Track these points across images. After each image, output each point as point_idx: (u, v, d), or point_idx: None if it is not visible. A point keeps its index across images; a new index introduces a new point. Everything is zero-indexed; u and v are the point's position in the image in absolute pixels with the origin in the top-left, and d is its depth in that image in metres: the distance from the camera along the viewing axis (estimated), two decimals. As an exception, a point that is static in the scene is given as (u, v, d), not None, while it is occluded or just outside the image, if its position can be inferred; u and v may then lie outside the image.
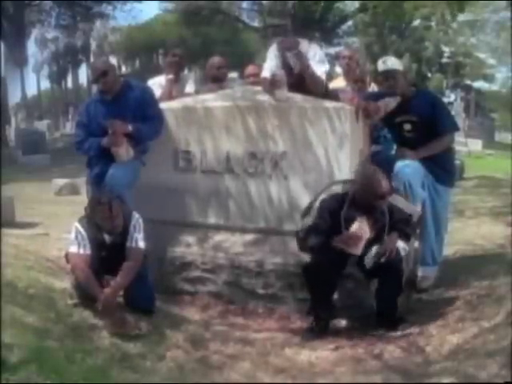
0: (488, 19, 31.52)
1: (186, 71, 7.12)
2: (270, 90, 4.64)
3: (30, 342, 2.90)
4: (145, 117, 4.61)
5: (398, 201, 4.03)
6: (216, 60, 5.69)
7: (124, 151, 4.48)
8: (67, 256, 3.93)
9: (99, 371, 2.93)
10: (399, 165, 4.34)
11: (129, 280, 3.76)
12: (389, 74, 4.47)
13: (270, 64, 5.10)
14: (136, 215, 4.02)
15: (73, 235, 3.87)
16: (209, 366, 3.41)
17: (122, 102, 4.61)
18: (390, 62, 4.51)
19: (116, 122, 4.45)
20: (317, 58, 4.98)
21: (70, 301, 3.83)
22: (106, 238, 3.90)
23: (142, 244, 3.94)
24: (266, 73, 5.02)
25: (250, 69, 5.61)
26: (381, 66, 4.51)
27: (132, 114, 4.57)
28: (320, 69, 4.95)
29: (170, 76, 5.67)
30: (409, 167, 4.31)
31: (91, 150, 4.58)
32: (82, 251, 3.81)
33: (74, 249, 3.83)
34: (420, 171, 4.35)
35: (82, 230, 3.85)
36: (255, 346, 3.74)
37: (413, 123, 4.44)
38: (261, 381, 3.25)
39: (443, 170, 4.57)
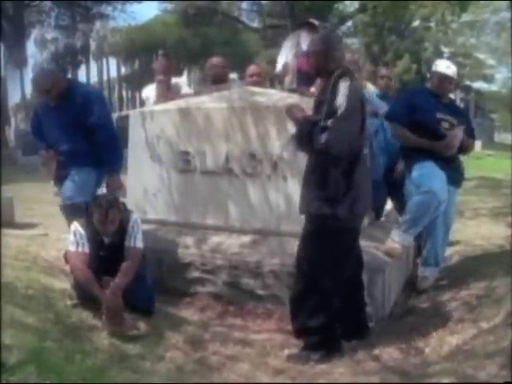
0: (488, 20, 31.54)
1: (184, 76, 7.21)
2: (280, 77, 4.87)
3: (30, 342, 2.90)
4: (89, 124, 4.52)
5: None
6: (215, 60, 5.70)
7: (51, 172, 4.62)
8: (66, 255, 3.95)
9: (98, 372, 2.93)
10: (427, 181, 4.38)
11: (128, 280, 3.76)
12: (448, 80, 4.61)
13: (282, 58, 5.52)
14: (134, 215, 4.03)
15: (72, 234, 3.87)
16: (208, 366, 3.40)
17: (64, 108, 4.52)
18: (454, 71, 4.65)
19: (46, 154, 4.61)
20: None
21: (70, 301, 3.83)
22: (105, 238, 3.90)
23: (140, 244, 3.95)
24: (279, 67, 5.47)
25: (252, 68, 5.64)
26: (445, 70, 4.61)
27: (75, 120, 4.51)
28: None
29: (160, 77, 5.67)
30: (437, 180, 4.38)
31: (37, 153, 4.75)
32: (80, 250, 3.81)
33: (72, 248, 3.84)
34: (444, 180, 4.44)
35: (80, 229, 3.86)
36: (254, 347, 3.73)
37: (450, 123, 4.53)
38: (260, 382, 3.25)
39: (455, 171, 4.64)
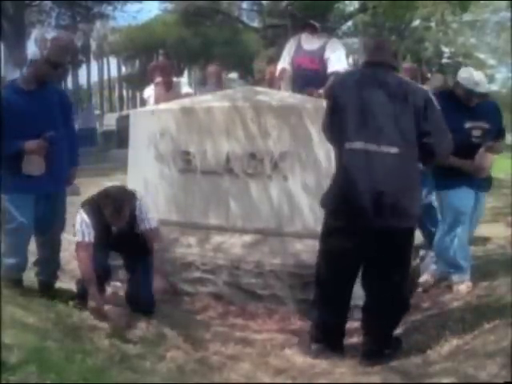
0: (488, 19, 31.53)
1: (184, 76, 7.41)
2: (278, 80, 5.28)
3: (30, 342, 2.89)
4: (67, 111, 4.32)
5: None
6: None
7: (37, 165, 3.97)
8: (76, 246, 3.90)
9: (99, 371, 2.92)
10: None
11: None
12: (477, 95, 4.30)
13: (284, 59, 5.62)
14: (137, 200, 3.95)
15: (78, 224, 3.84)
16: (209, 366, 3.40)
17: (45, 93, 4.10)
18: (484, 87, 4.36)
19: (42, 142, 3.95)
20: (335, 54, 5.31)
21: (71, 301, 3.83)
22: (113, 227, 3.88)
23: (154, 223, 3.97)
24: (282, 64, 5.63)
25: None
26: (474, 87, 4.26)
27: (57, 106, 4.17)
28: (334, 65, 5.19)
29: (158, 79, 5.72)
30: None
31: (8, 151, 3.89)
32: (86, 240, 3.78)
33: (78, 238, 3.81)
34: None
35: (86, 217, 3.82)
36: (255, 347, 3.73)
37: (482, 129, 4.31)
38: (261, 381, 3.25)
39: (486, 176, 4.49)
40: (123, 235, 3.89)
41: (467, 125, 4.26)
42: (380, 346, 3.42)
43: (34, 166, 3.92)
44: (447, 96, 4.30)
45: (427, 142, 3.21)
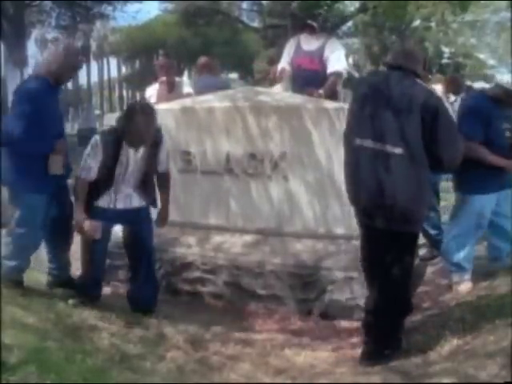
0: (488, 20, 31.54)
1: (184, 76, 7.44)
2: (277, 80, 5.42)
3: (30, 342, 2.90)
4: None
5: None
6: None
7: (60, 164, 3.98)
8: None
9: (99, 372, 2.92)
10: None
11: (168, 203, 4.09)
12: None
13: (285, 59, 5.64)
14: (164, 142, 4.00)
15: (89, 146, 3.81)
16: (209, 366, 3.40)
17: (59, 89, 4.23)
18: None
19: (64, 143, 4.03)
20: (335, 54, 5.35)
21: (71, 301, 3.83)
22: (131, 150, 3.83)
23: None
24: (282, 64, 5.67)
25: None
26: None
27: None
28: (334, 65, 5.21)
29: (163, 78, 5.75)
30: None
31: (43, 149, 3.87)
32: (93, 165, 3.77)
33: (80, 174, 3.81)
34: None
35: (99, 143, 3.78)
36: (255, 347, 3.73)
37: (510, 131, 4.34)
38: (261, 381, 3.25)
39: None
40: (141, 160, 3.86)
41: (503, 126, 4.32)
42: (380, 347, 3.41)
43: (58, 165, 3.91)
44: (488, 101, 4.31)
45: (435, 150, 3.21)
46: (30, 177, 3.84)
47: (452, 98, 6.68)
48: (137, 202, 3.97)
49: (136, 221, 3.99)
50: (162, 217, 4.13)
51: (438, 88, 5.75)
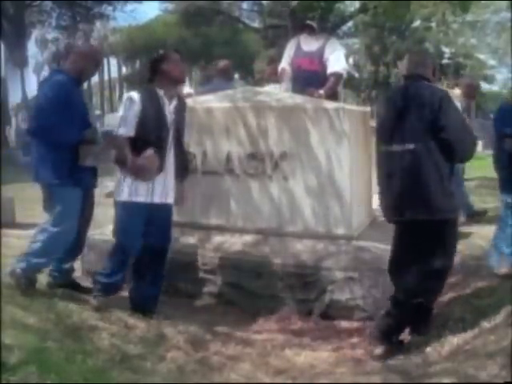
0: (488, 20, 31.50)
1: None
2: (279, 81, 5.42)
3: (30, 342, 2.90)
4: None
5: None
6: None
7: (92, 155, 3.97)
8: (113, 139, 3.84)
9: (99, 372, 2.93)
10: None
11: None
12: None
13: (285, 59, 5.65)
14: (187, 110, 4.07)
15: (123, 107, 3.79)
16: (209, 366, 3.40)
17: (81, 89, 4.28)
18: None
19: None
20: (334, 55, 5.38)
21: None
22: (166, 109, 3.83)
23: None
24: (282, 64, 5.66)
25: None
26: None
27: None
28: (334, 65, 5.21)
29: None
30: None
31: (70, 140, 3.83)
32: (123, 131, 3.73)
33: (119, 130, 3.75)
34: None
35: (136, 97, 3.74)
36: (255, 347, 3.73)
37: None
38: (261, 382, 3.25)
39: None
40: (172, 119, 3.85)
41: None
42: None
43: (89, 156, 3.86)
44: None
45: (444, 138, 3.36)
46: (64, 170, 3.80)
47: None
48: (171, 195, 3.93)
49: (168, 216, 3.98)
50: (181, 195, 4.06)
51: (456, 93, 5.82)
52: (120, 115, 3.79)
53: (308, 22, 5.77)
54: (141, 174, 3.72)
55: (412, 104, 3.45)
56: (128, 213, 3.82)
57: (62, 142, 3.80)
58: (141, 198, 3.79)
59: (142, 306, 3.94)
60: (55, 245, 3.87)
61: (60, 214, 3.82)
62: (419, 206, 3.39)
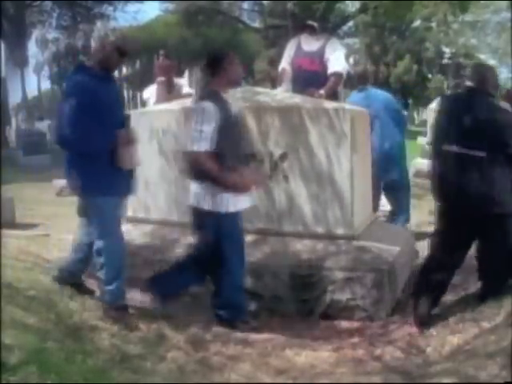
0: (489, 20, 31.51)
1: (184, 77, 7.38)
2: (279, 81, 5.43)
3: (31, 342, 2.89)
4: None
5: None
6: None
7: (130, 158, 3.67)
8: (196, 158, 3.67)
9: (99, 372, 2.93)
10: None
11: None
12: None
13: (285, 59, 5.69)
14: None
15: (198, 126, 3.57)
16: (209, 367, 3.40)
17: (113, 80, 3.89)
18: None
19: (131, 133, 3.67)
20: (335, 55, 5.32)
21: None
22: (232, 111, 3.75)
23: None
24: (282, 65, 5.70)
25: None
26: None
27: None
28: (334, 65, 5.23)
29: (162, 78, 5.72)
30: None
31: (101, 146, 3.54)
32: (205, 146, 3.57)
33: (201, 147, 3.58)
34: None
35: (212, 108, 3.55)
36: (256, 347, 3.73)
37: None
38: (261, 382, 3.25)
39: None
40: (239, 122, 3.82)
41: None
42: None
43: (129, 158, 3.61)
44: None
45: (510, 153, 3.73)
46: (101, 179, 3.54)
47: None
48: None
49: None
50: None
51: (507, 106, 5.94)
52: (194, 128, 3.61)
53: (309, 22, 5.77)
54: (247, 188, 3.73)
55: (479, 116, 3.74)
56: (233, 223, 3.83)
57: (94, 150, 3.53)
58: (243, 205, 3.81)
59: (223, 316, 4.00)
60: (112, 259, 3.67)
61: (102, 226, 3.65)
62: (490, 202, 3.74)
